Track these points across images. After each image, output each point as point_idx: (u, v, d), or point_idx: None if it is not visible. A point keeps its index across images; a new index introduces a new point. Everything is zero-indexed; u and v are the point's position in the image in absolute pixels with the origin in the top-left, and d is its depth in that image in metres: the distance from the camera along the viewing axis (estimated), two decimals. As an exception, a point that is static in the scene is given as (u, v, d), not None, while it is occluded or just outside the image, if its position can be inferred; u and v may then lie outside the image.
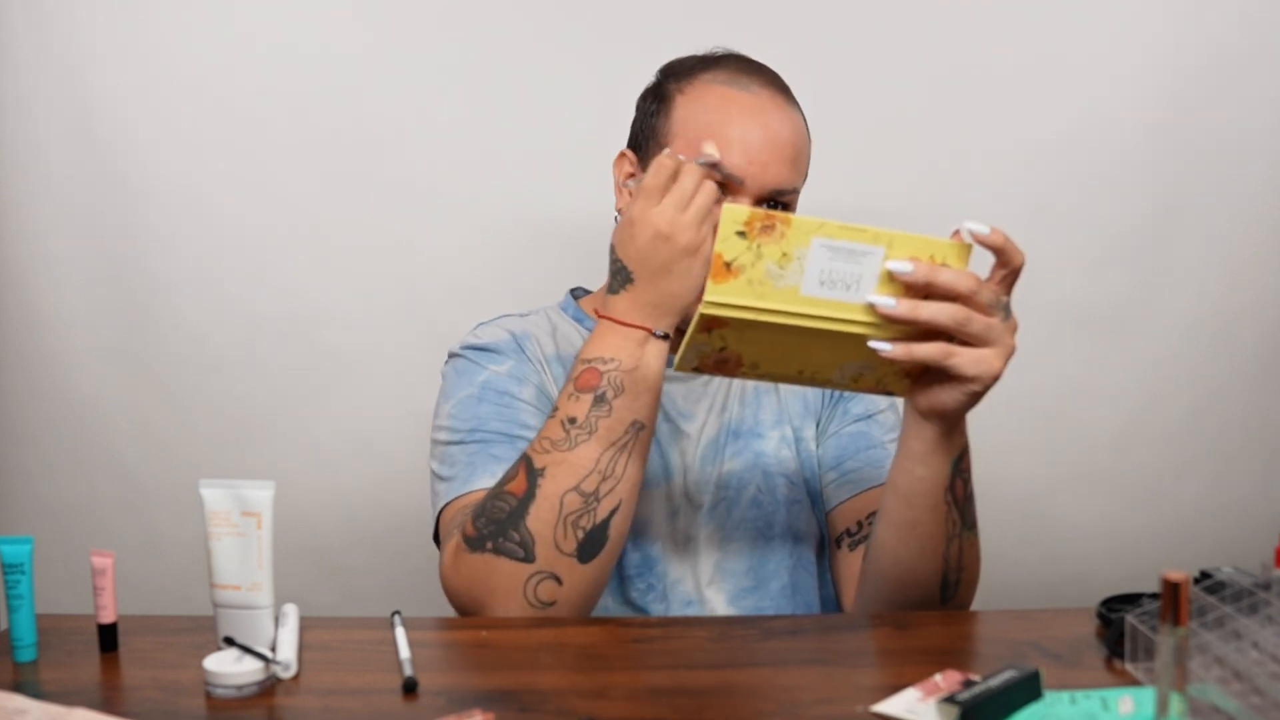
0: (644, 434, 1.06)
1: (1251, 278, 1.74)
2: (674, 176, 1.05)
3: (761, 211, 0.92)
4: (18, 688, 0.89)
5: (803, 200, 1.22)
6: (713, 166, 1.08)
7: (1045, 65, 1.67)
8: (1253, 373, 1.77)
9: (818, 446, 1.28)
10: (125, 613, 1.00)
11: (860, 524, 1.22)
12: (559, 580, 1.03)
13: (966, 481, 1.07)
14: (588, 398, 1.05)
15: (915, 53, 1.67)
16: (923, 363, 0.97)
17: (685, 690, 0.90)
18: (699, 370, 1.01)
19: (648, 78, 1.24)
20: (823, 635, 1.06)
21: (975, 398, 0.99)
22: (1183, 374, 1.76)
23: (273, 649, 0.94)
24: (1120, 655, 0.94)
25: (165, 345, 1.70)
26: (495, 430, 1.16)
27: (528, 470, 1.04)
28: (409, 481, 1.60)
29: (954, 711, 0.80)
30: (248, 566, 0.96)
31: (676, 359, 1.00)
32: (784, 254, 0.93)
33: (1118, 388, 1.75)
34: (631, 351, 1.05)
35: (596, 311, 1.08)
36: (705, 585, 1.22)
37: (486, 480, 1.12)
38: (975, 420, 1.05)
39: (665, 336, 1.06)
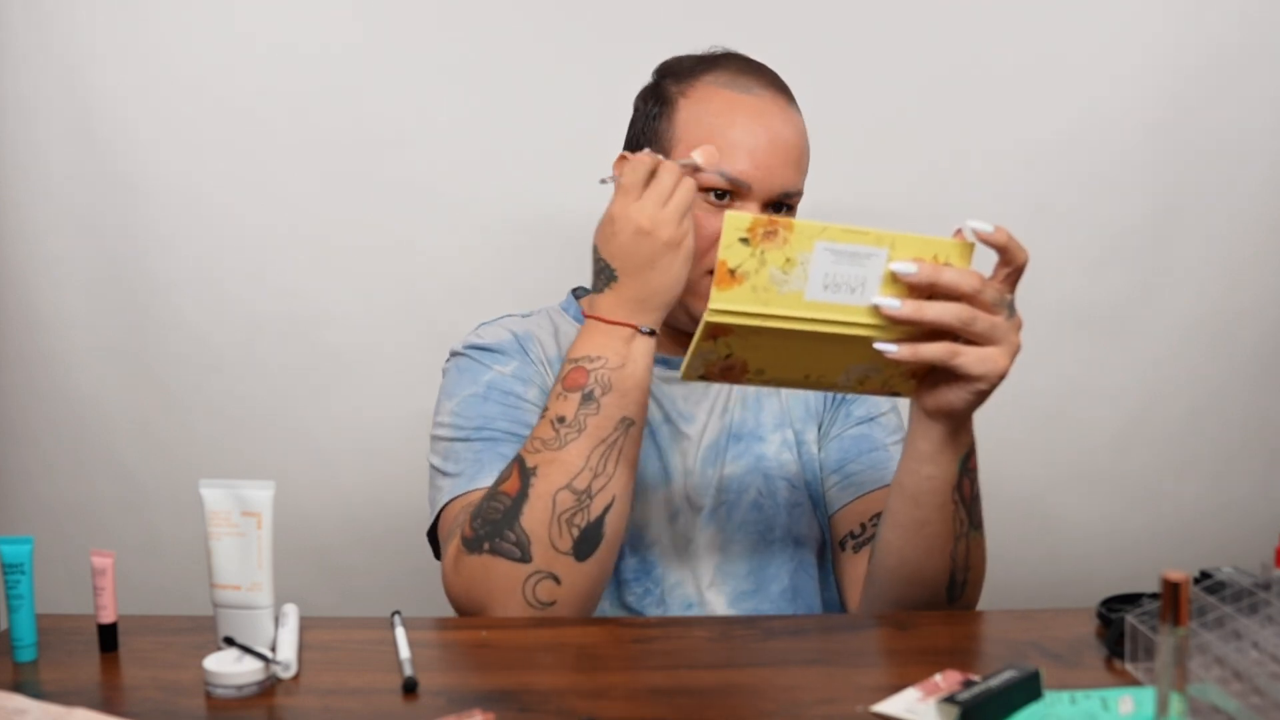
0: (634, 430, 1.06)
1: (1251, 278, 1.74)
2: (652, 173, 1.06)
3: (764, 218, 0.92)
4: (18, 688, 0.89)
5: (803, 201, 1.22)
6: (712, 173, 1.08)
7: (1045, 65, 1.67)
8: (1253, 373, 1.77)
9: (820, 450, 1.28)
10: (125, 613, 1.00)
11: (864, 526, 1.22)
12: (557, 580, 1.03)
13: (973, 481, 1.07)
14: (575, 396, 1.05)
15: (915, 53, 1.67)
16: (929, 363, 0.97)
17: (685, 690, 0.90)
18: (705, 378, 1.01)
19: (647, 78, 1.25)
20: (823, 635, 1.06)
21: (982, 396, 0.99)
22: (1183, 374, 1.76)
23: (273, 649, 0.94)
24: (1120, 655, 0.94)
25: (165, 345, 1.70)
26: (502, 429, 1.16)
27: (520, 470, 1.05)
28: (409, 481, 1.60)
29: (954, 711, 0.80)
30: (248, 566, 0.96)
31: (682, 368, 1.01)
32: (787, 259, 0.93)
33: (1118, 388, 1.75)
34: (618, 349, 1.05)
35: (583, 311, 1.09)
36: (705, 588, 1.22)
37: (493, 479, 1.12)
38: (975, 420, 1.05)
39: (651, 333, 1.07)
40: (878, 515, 1.21)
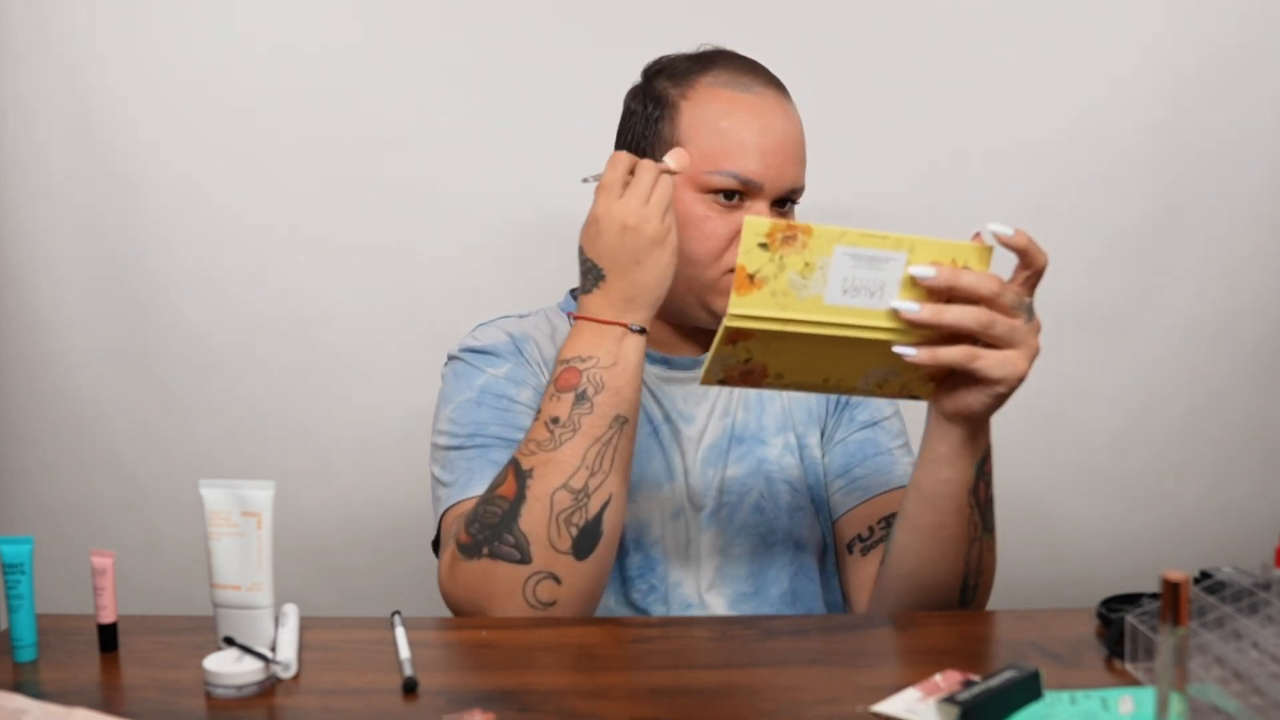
0: (628, 427, 1.06)
1: (1251, 278, 1.74)
2: (630, 171, 1.08)
3: (783, 223, 0.92)
4: (18, 688, 0.89)
5: (803, 201, 1.22)
6: (719, 175, 1.11)
7: (1045, 65, 1.67)
8: (1253, 373, 1.77)
9: (823, 454, 1.28)
10: (125, 613, 1.00)
11: (872, 530, 1.22)
12: (557, 579, 1.03)
13: (989, 484, 1.08)
14: (569, 397, 1.05)
15: (915, 53, 1.67)
16: (948, 366, 0.97)
17: (685, 690, 0.90)
18: (724, 383, 1.02)
19: (643, 78, 1.25)
20: (823, 635, 1.06)
21: (1001, 399, 0.99)
22: (1183, 374, 1.76)
23: (273, 649, 0.94)
24: (1120, 655, 0.94)
25: (165, 345, 1.70)
26: (494, 435, 1.16)
27: (516, 473, 1.05)
28: (409, 481, 1.60)
29: (954, 711, 0.80)
30: (248, 566, 0.96)
31: (702, 373, 1.01)
32: (806, 264, 0.93)
33: (1118, 388, 1.75)
34: (609, 348, 1.06)
35: (570, 313, 1.09)
36: (705, 590, 1.22)
37: (485, 486, 1.12)
38: (975, 420, 1.05)
39: (642, 330, 1.07)
40: (885, 518, 1.21)
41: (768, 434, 1.27)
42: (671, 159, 1.12)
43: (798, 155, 1.18)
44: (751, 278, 0.93)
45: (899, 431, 1.29)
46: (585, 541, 1.04)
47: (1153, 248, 1.72)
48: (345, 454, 1.72)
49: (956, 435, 1.03)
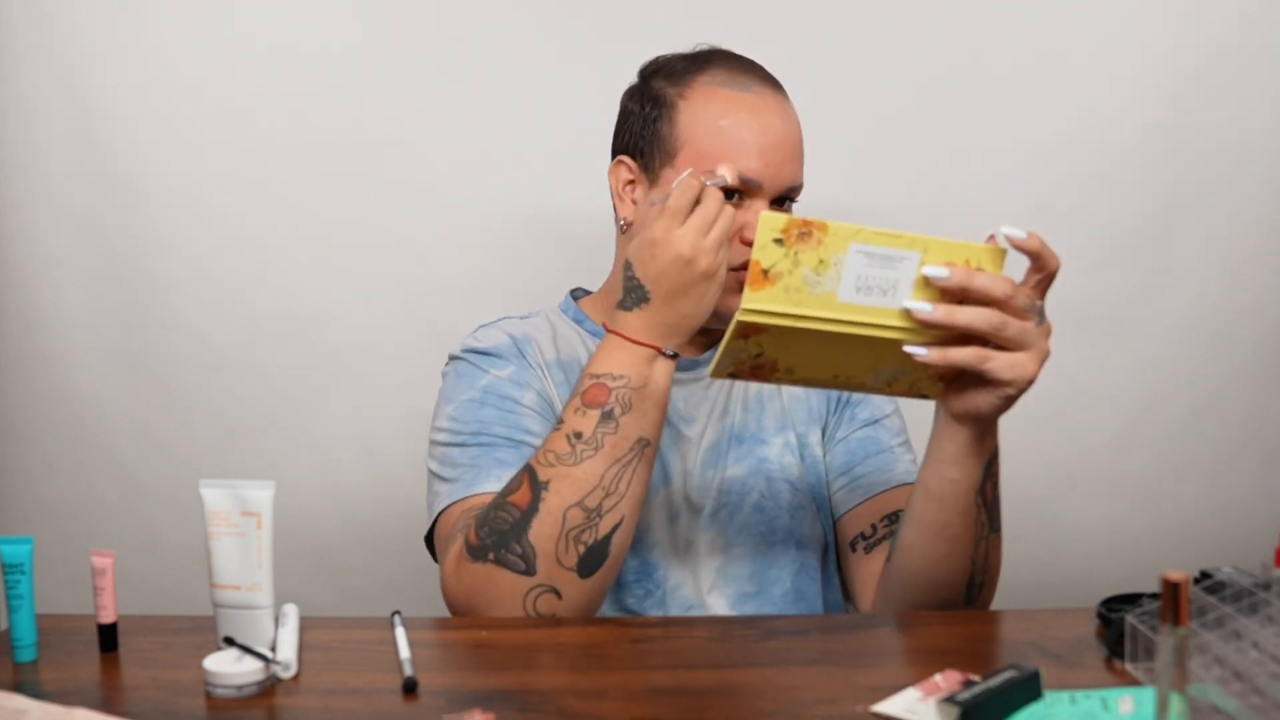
0: (649, 451, 1.06)
1: (1251, 278, 1.74)
2: (697, 199, 1.06)
3: (798, 219, 0.93)
4: (18, 688, 0.89)
5: (802, 200, 1.22)
6: (720, 182, 1.10)
7: (1045, 65, 1.67)
8: (1253, 373, 1.76)
9: (824, 453, 1.28)
10: (125, 613, 1.00)
11: (875, 527, 1.22)
12: (558, 594, 1.03)
13: (995, 484, 1.08)
14: (595, 413, 1.05)
15: (915, 53, 1.67)
16: (958, 367, 0.97)
17: (685, 690, 0.90)
18: (734, 376, 1.02)
19: (642, 78, 1.25)
20: (823, 635, 1.06)
21: (1010, 401, 1.00)
22: (1183, 374, 1.75)
23: (273, 649, 0.94)
24: (1120, 655, 0.94)
25: (165, 345, 1.70)
26: (499, 434, 1.16)
27: (532, 482, 1.04)
28: (409, 481, 1.60)
29: (954, 711, 0.80)
30: (248, 566, 0.96)
31: (712, 366, 1.01)
32: (821, 260, 0.93)
33: (1118, 388, 1.75)
34: (640, 369, 1.05)
35: (605, 325, 1.09)
36: (706, 591, 1.22)
37: (490, 484, 1.12)
38: (975, 420, 1.05)
39: (674, 356, 1.07)
40: (888, 516, 1.21)
41: (767, 433, 1.27)
42: (727, 172, 1.11)
43: (796, 154, 1.18)
44: (766, 273, 0.93)
45: (899, 429, 1.29)
46: (591, 560, 1.04)
47: (1153, 248, 1.72)
48: (345, 454, 1.72)
49: (965, 435, 1.03)
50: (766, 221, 0.92)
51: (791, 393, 1.29)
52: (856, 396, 1.29)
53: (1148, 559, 1.71)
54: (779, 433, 1.27)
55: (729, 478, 1.24)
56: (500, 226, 1.69)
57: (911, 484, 1.14)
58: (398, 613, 1.02)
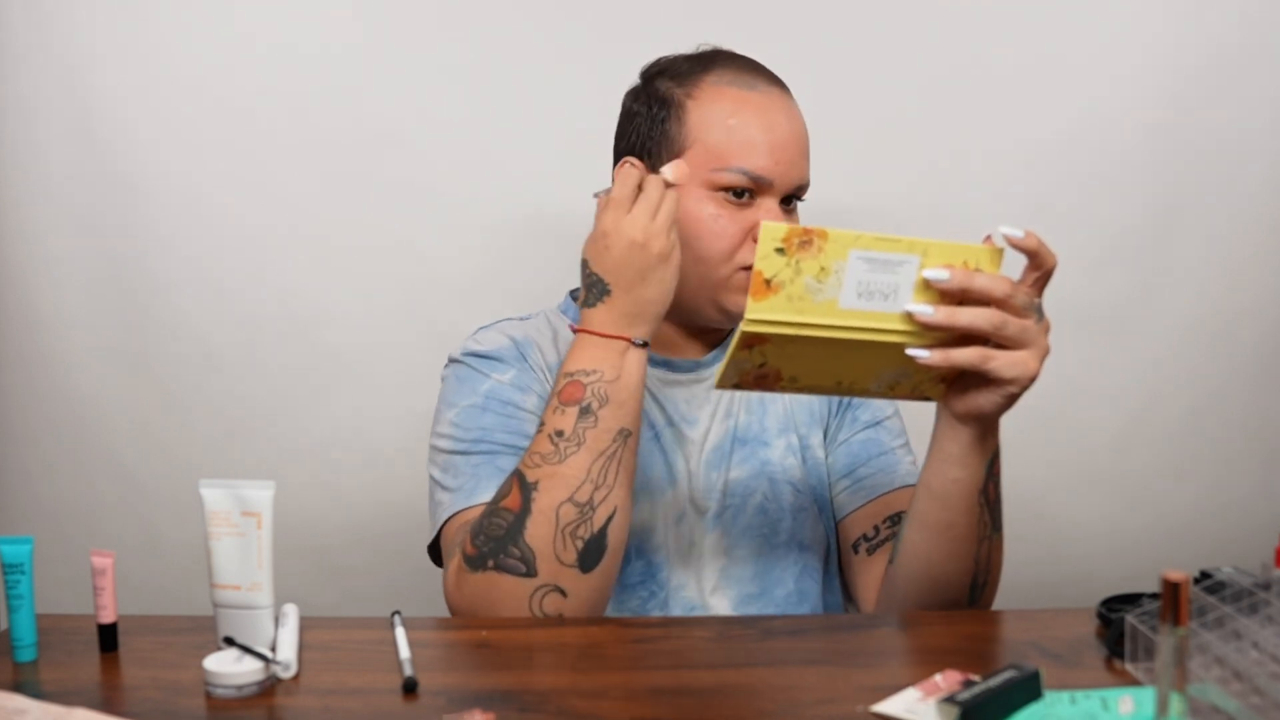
0: (631, 440, 1.07)
1: (1251, 278, 1.74)
2: (639, 186, 1.08)
3: (799, 228, 0.93)
4: (18, 688, 0.89)
5: (802, 203, 1.22)
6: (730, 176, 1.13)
7: (1045, 65, 1.67)
8: (1253, 373, 1.77)
9: (827, 455, 1.28)
10: (125, 613, 1.00)
11: (877, 529, 1.22)
12: (563, 592, 1.04)
13: (998, 484, 1.08)
14: (573, 410, 1.05)
15: (915, 53, 1.67)
16: (961, 367, 0.97)
17: (685, 690, 0.90)
18: (739, 387, 1.02)
19: (644, 79, 1.25)
20: (822, 635, 1.06)
21: (1012, 399, 1.00)
22: (1183, 374, 1.75)
23: (273, 649, 0.94)
24: (1120, 655, 0.94)
25: (165, 345, 1.70)
26: (500, 441, 1.16)
27: (521, 485, 1.05)
28: (409, 481, 1.60)
29: (954, 711, 0.80)
30: (248, 566, 0.96)
31: (717, 378, 1.01)
32: (822, 268, 0.94)
33: (1118, 388, 1.75)
34: (613, 362, 1.06)
35: (572, 326, 1.09)
36: (709, 593, 1.22)
37: (490, 494, 1.12)
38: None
39: (644, 344, 1.07)
40: (890, 518, 1.21)
41: (770, 435, 1.27)
42: (670, 171, 1.12)
43: (804, 151, 1.19)
44: (768, 282, 0.94)
45: (900, 430, 1.29)
46: (591, 554, 1.04)
47: (1153, 248, 1.72)
48: (345, 454, 1.72)
49: (967, 435, 1.04)
50: (768, 231, 0.93)
51: (794, 395, 1.29)
52: (857, 399, 1.29)
53: (1148, 559, 1.71)
54: (781, 434, 1.27)
55: (732, 479, 1.24)
56: (500, 226, 1.69)
57: (913, 485, 1.14)
58: (398, 613, 1.02)
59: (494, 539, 1.04)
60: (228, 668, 0.88)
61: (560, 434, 1.05)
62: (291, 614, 1.00)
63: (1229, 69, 1.68)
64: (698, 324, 1.23)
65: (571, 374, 1.07)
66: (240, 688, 0.88)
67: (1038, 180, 1.69)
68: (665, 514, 1.22)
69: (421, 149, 1.67)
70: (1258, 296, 1.74)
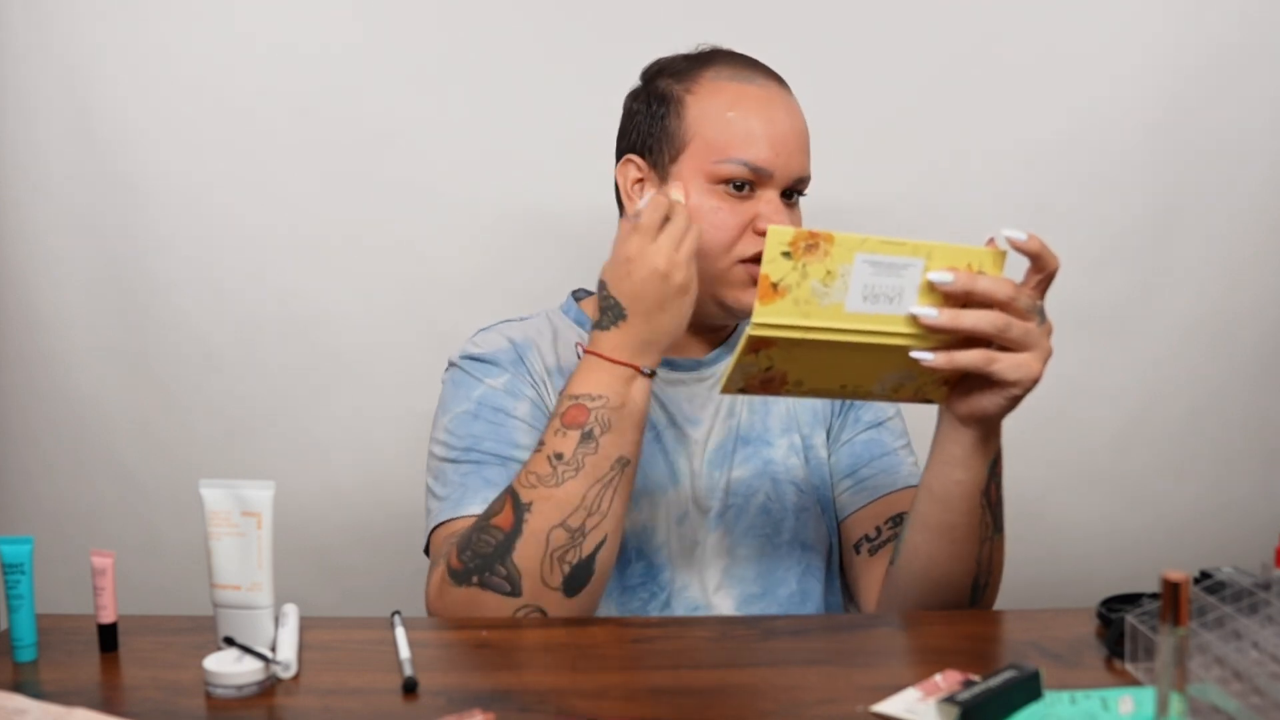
0: (629, 469, 1.06)
1: (1251, 278, 1.74)
2: (668, 215, 1.07)
3: (805, 231, 0.93)
4: (18, 688, 0.89)
5: (802, 200, 1.22)
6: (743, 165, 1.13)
7: (1045, 65, 1.67)
8: (1253, 373, 1.76)
9: (829, 455, 1.28)
10: (125, 613, 1.00)
11: (879, 529, 1.22)
12: (544, 613, 1.04)
13: (999, 485, 1.08)
14: (575, 434, 1.05)
15: (915, 53, 1.67)
16: (964, 370, 0.97)
17: (685, 690, 0.90)
18: (744, 391, 1.02)
19: (645, 79, 1.24)
20: (823, 635, 1.06)
21: (1015, 401, 1.00)
22: (1183, 374, 1.75)
23: (273, 649, 0.94)
24: (1120, 655, 0.94)
25: (165, 345, 1.70)
26: (488, 451, 1.16)
27: (514, 504, 1.04)
28: (409, 481, 1.59)
29: (954, 711, 0.80)
30: (248, 566, 0.96)
31: (722, 382, 1.01)
32: (828, 272, 0.94)
33: (1118, 388, 1.75)
34: (619, 389, 1.06)
35: (581, 346, 1.09)
36: (713, 592, 1.22)
37: (476, 506, 1.12)
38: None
39: (651, 374, 1.07)
40: (892, 518, 1.21)
41: (772, 435, 1.27)
42: (676, 190, 1.12)
43: (804, 145, 1.19)
44: (775, 286, 0.94)
45: (902, 431, 1.29)
46: (576, 580, 1.04)
47: (1153, 248, 1.72)
48: (345, 454, 1.72)
49: (970, 437, 1.04)
50: (774, 235, 0.93)
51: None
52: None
53: (1148, 559, 1.71)
54: (784, 434, 1.27)
55: (735, 479, 1.24)
56: (500, 226, 1.69)
57: (915, 486, 1.14)
58: (398, 613, 1.02)
59: (481, 555, 1.04)
60: (228, 668, 0.88)
61: (559, 457, 1.05)
62: (291, 614, 1.00)
63: (1229, 69, 1.68)
64: (698, 321, 1.23)
65: (577, 396, 1.06)
66: (240, 688, 0.88)
67: (1038, 180, 1.69)
68: (667, 514, 1.22)
69: (421, 149, 1.67)
70: (1258, 296, 1.74)
